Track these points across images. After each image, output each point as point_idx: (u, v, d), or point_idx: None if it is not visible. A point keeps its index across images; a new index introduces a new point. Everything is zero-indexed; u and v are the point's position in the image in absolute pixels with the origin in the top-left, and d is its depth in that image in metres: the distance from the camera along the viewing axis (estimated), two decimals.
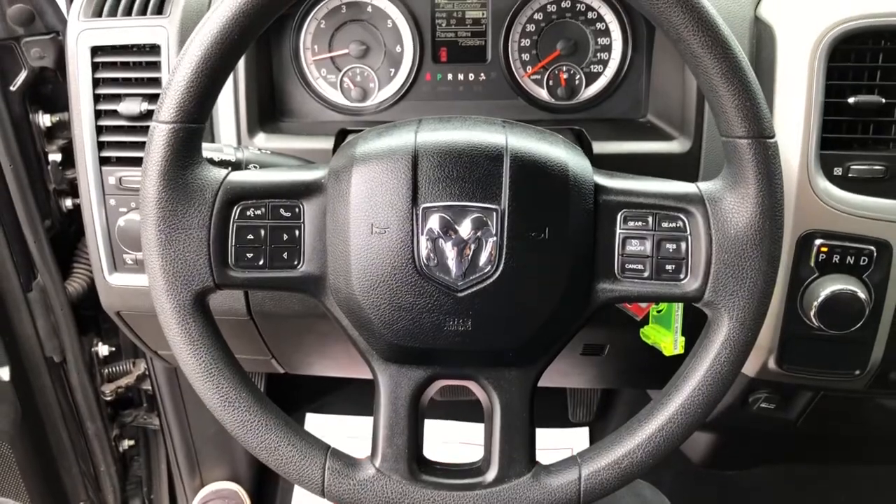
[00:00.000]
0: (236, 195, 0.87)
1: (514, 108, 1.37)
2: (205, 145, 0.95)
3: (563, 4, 1.35)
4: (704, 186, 0.89)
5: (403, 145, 0.87)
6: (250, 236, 0.87)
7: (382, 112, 1.38)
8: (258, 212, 0.88)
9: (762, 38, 1.19)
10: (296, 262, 0.88)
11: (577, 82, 1.37)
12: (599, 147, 1.18)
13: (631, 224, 0.88)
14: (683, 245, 0.87)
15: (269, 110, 1.35)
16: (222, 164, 1.01)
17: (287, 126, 1.35)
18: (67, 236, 1.74)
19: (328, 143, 1.12)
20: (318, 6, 1.34)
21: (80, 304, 1.73)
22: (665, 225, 0.88)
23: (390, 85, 1.37)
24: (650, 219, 0.88)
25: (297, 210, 0.88)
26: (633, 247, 0.88)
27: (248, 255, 0.87)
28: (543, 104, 1.37)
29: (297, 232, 0.88)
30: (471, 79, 1.37)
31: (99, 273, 1.30)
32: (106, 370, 1.88)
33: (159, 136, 0.83)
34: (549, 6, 1.35)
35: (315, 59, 1.36)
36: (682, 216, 0.88)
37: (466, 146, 0.87)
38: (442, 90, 1.37)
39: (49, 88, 1.63)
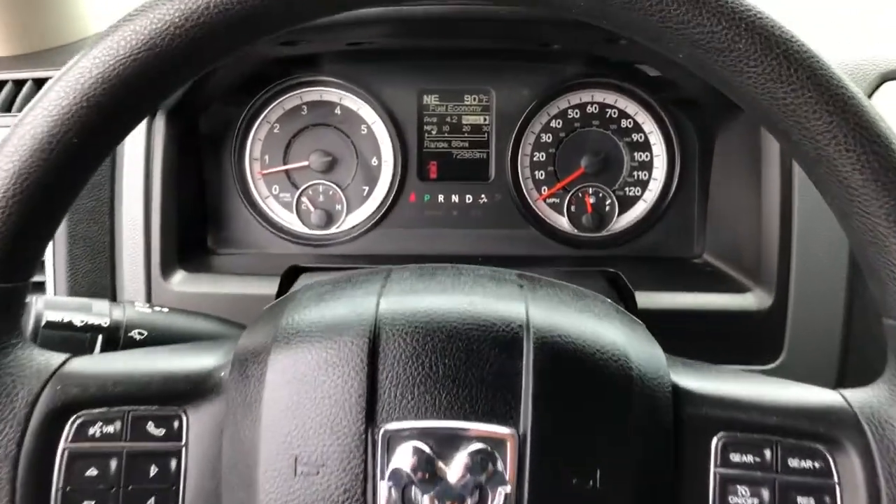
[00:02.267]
0: (72, 400, 0.52)
1: (524, 241, 1.05)
2: (58, 301, 0.61)
3: (590, 109, 1.04)
4: (856, 397, 0.54)
5: (356, 318, 0.53)
6: (92, 471, 0.52)
7: (351, 242, 1.05)
8: (108, 428, 0.53)
9: None
10: None
11: (607, 209, 1.05)
12: (641, 300, 0.85)
13: (736, 458, 0.53)
14: (828, 500, 0.51)
15: (196, 239, 1.01)
16: (84, 329, 0.66)
17: (222, 262, 1.01)
18: None
19: (275, 287, 0.80)
20: (272, 105, 1.03)
21: None
22: (794, 464, 0.52)
23: (363, 208, 1.05)
24: (767, 451, 0.53)
25: (175, 425, 0.53)
26: (741, 498, 0.52)
27: None
28: (563, 236, 1.05)
29: (173, 464, 0.53)
30: (468, 201, 1.05)
31: None
32: None
33: None
34: (570, 111, 1.04)
35: (265, 172, 1.04)
36: (822, 448, 0.52)
37: (461, 323, 0.52)
38: (430, 215, 1.05)
39: None
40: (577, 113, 1.04)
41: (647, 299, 0.89)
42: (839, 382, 0.89)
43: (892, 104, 0.89)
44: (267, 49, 0.93)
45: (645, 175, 1.05)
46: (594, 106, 1.04)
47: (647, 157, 1.05)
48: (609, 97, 1.04)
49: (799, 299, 0.87)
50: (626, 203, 1.05)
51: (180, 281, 0.93)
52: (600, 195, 1.05)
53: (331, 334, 0.52)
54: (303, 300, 0.57)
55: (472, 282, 0.58)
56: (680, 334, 0.74)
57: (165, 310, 0.72)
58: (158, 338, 0.70)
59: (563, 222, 1.05)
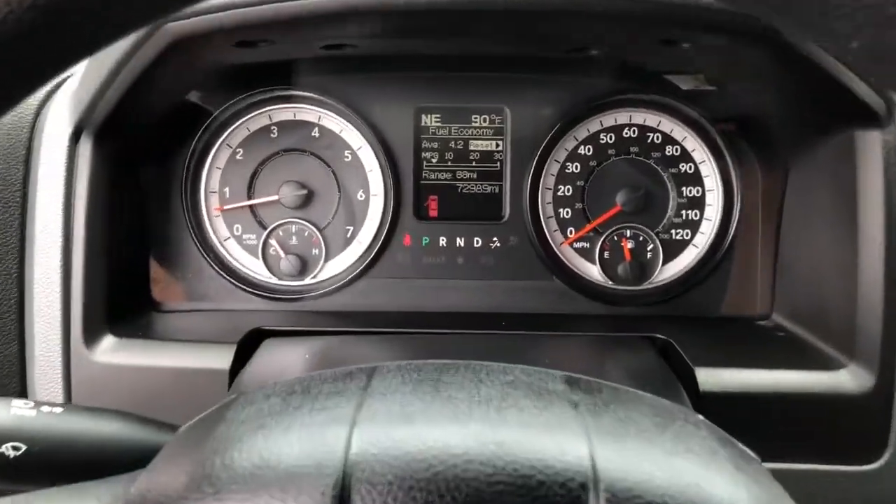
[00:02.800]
0: None
1: (545, 296, 0.86)
2: None
3: (627, 133, 0.85)
4: None
5: (314, 466, 0.32)
6: None
7: (329, 296, 0.85)
8: None
9: None
10: None
11: (649, 256, 0.85)
12: (701, 376, 0.66)
13: None
14: None
15: (133, 293, 0.81)
16: None
17: (166, 323, 0.81)
18: None
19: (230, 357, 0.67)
20: (234, 126, 0.83)
21: None
22: None
23: (345, 253, 0.85)
24: None
25: None
26: None
27: None
28: (595, 290, 0.86)
29: None
30: (477, 245, 0.86)
31: None
32: None
33: None
34: (602, 135, 0.85)
35: (225, 209, 0.84)
36: None
37: (483, 477, 0.32)
38: (429, 263, 0.85)
39: None
40: (610, 137, 0.85)
41: (709, 377, 0.68)
42: None
43: None
44: (222, 54, 0.73)
45: (696, 215, 0.85)
46: (632, 129, 0.85)
47: (698, 192, 0.85)
48: (651, 118, 0.85)
49: None
50: (673, 249, 0.85)
51: (108, 349, 0.72)
52: (640, 239, 0.85)
53: (276, 491, 0.32)
54: (239, 426, 0.37)
55: (498, 395, 0.37)
56: (752, 424, 0.60)
57: (58, 410, 0.51)
58: (44, 452, 0.50)
59: (594, 272, 0.85)
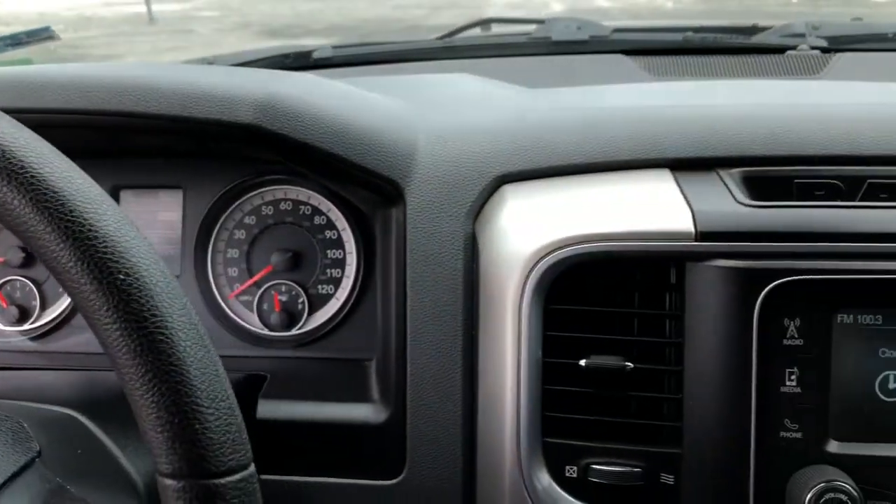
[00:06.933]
0: None
1: (215, 340, 1.00)
2: None
3: (283, 206, 1.02)
4: None
5: None
6: None
7: None
8: None
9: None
10: None
11: (299, 307, 1.01)
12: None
13: None
14: None
15: None
16: None
17: None
18: None
19: None
20: None
21: None
22: None
23: None
24: None
25: None
26: None
27: None
28: (254, 335, 1.01)
29: None
30: None
31: None
32: None
33: None
34: (263, 207, 1.02)
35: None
36: None
37: None
38: None
39: None
40: (270, 209, 1.03)
41: (267, 407, 0.86)
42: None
43: None
44: None
45: (338, 273, 1.02)
46: (287, 203, 1.02)
47: (340, 254, 1.02)
48: (302, 193, 1.02)
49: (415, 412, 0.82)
50: (319, 301, 1.02)
51: None
52: (293, 293, 1.02)
53: None
54: None
55: None
56: (301, 446, 0.74)
57: None
58: None
59: (254, 320, 1.02)
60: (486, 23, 1.52)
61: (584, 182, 0.83)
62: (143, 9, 8.08)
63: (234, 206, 1.03)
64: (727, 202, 0.75)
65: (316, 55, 1.47)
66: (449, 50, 1.49)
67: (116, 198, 1.04)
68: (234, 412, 0.49)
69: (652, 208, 0.77)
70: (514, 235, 0.79)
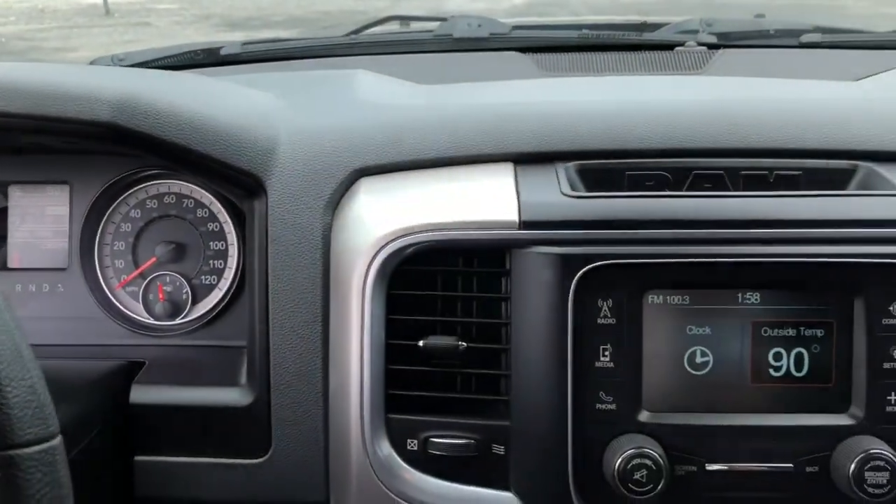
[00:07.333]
0: None
1: (103, 332, 1.05)
2: None
3: (167, 200, 1.07)
4: None
5: None
6: None
7: None
8: None
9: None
10: None
11: (183, 297, 1.06)
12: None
13: None
14: None
15: None
16: None
17: None
18: None
19: None
20: None
21: None
22: None
23: None
24: None
25: None
26: None
27: None
28: (140, 324, 1.06)
29: None
30: (45, 290, 1.07)
31: None
32: None
33: None
34: (148, 201, 1.07)
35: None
36: None
37: None
38: None
39: None
40: (154, 203, 1.07)
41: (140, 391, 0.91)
42: None
43: None
44: None
45: (220, 264, 1.06)
46: (171, 196, 1.07)
47: (223, 246, 1.06)
48: (185, 188, 1.06)
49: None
50: (203, 292, 1.06)
51: None
52: (177, 284, 1.06)
53: None
54: None
55: None
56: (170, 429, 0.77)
57: None
58: None
59: (140, 310, 1.07)
60: (390, 20, 1.57)
61: (434, 176, 0.89)
62: (99, 0, 8.02)
63: (119, 199, 1.07)
64: (552, 193, 0.81)
65: (224, 52, 1.51)
66: (355, 46, 1.53)
67: (4, 193, 1.08)
68: (35, 390, 0.53)
69: (487, 200, 0.83)
70: (361, 225, 0.85)
